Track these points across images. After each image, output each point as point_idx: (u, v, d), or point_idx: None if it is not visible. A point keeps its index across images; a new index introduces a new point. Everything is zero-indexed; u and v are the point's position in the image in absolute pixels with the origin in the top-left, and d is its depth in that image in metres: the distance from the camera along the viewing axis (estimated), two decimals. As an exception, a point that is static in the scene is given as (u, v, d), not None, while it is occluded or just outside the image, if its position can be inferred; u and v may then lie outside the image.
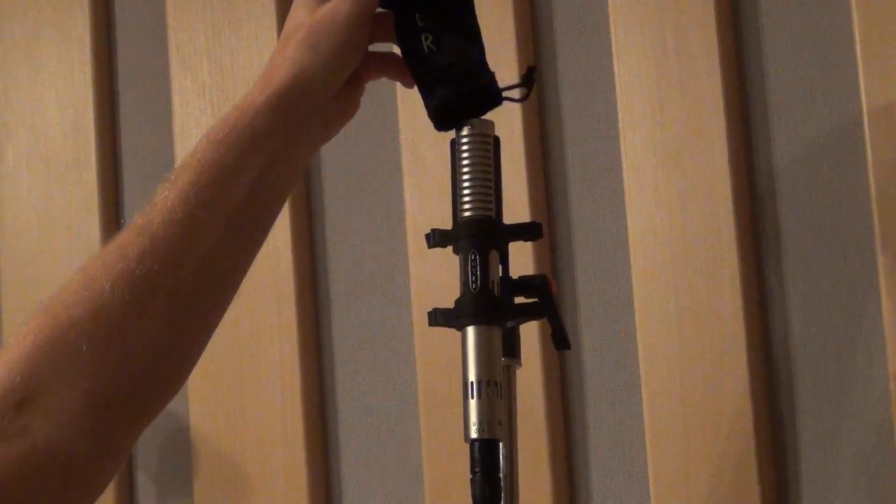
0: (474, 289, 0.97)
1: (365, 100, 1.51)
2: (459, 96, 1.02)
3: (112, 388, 0.91)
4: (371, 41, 1.05)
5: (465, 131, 1.02)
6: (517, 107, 1.38)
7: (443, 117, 1.03)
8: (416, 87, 1.06)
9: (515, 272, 1.03)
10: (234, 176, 0.96)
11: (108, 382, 0.91)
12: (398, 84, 1.46)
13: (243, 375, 1.54)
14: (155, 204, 0.95)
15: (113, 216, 1.68)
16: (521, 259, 1.32)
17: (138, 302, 0.92)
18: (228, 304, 0.99)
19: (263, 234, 1.00)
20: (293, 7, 1.05)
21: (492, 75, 1.03)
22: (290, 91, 0.99)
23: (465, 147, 1.02)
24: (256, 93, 0.99)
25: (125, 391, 0.92)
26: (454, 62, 1.02)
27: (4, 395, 0.88)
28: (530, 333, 1.32)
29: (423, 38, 1.03)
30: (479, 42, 1.04)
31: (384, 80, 1.49)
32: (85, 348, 0.89)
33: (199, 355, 0.97)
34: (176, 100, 1.63)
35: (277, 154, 0.98)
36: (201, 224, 0.95)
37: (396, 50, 1.06)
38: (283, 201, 1.02)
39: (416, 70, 1.04)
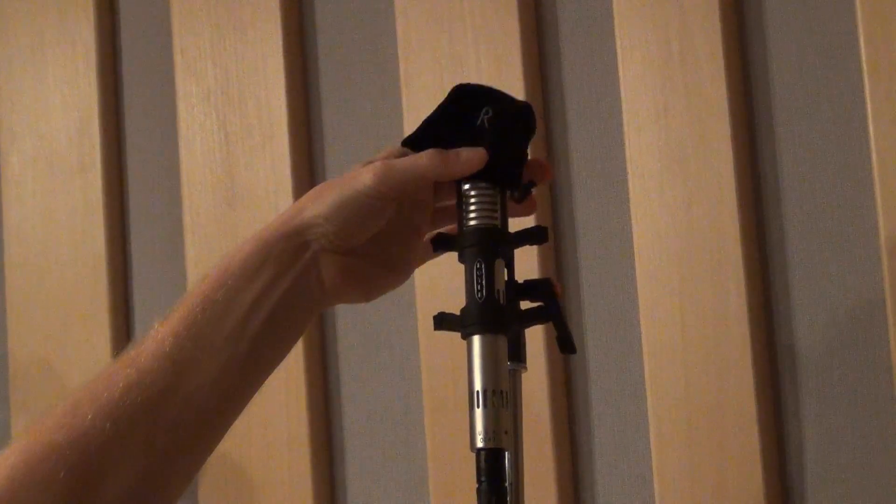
0: (480, 298, 0.97)
1: (370, 103, 1.52)
2: None
3: None
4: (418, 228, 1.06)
5: None
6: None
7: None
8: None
9: (520, 277, 1.03)
10: (223, 311, 0.96)
11: None
12: (403, 90, 1.47)
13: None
14: (147, 336, 0.96)
15: (118, 221, 1.69)
16: (527, 263, 1.33)
17: (119, 433, 0.92)
18: (216, 442, 0.98)
19: (256, 376, 0.99)
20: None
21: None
22: (283, 231, 0.99)
23: (470, 156, 1.02)
24: (258, 231, 1.00)
25: None
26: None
27: None
28: (535, 338, 1.32)
29: None
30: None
31: (387, 82, 1.51)
32: (62, 475, 0.90)
33: (183, 489, 0.97)
34: (181, 104, 1.63)
35: (267, 292, 0.98)
36: (189, 358, 0.94)
37: None
38: (277, 351, 1.00)
39: None
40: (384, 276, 1.05)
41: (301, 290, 0.99)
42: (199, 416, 0.95)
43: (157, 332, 0.96)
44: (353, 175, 1.00)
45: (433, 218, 1.06)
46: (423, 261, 1.08)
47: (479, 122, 1.03)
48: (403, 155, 1.04)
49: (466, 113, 1.03)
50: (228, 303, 0.96)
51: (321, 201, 0.99)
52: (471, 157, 1.00)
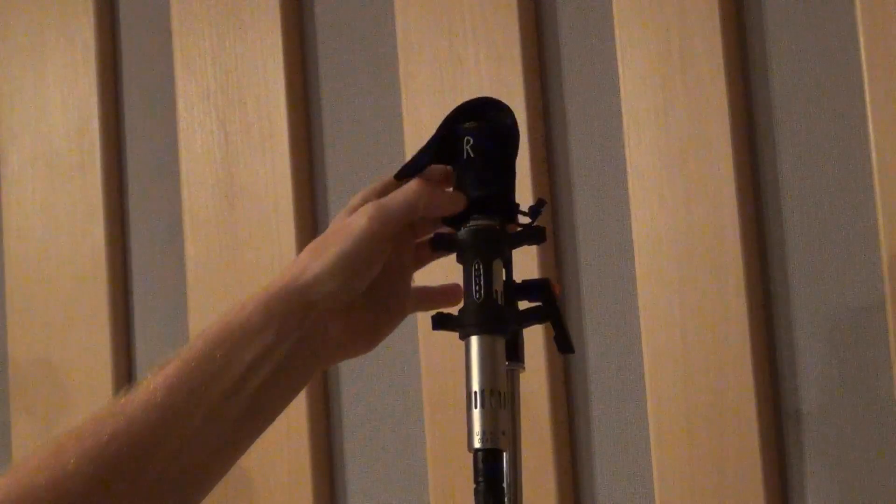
0: (478, 298, 0.98)
1: (370, 102, 1.52)
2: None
3: None
4: (406, 268, 1.05)
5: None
6: (521, 111, 1.38)
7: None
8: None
9: (519, 277, 1.03)
10: (221, 368, 0.94)
11: None
12: (403, 87, 1.47)
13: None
14: (139, 385, 0.94)
15: (117, 220, 1.69)
16: (526, 263, 1.33)
17: (102, 480, 0.90)
18: (202, 496, 0.96)
19: (248, 434, 0.97)
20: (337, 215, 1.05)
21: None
22: (287, 292, 0.98)
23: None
24: (264, 288, 0.98)
25: None
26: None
27: None
28: (535, 337, 1.32)
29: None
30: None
31: (386, 82, 1.51)
32: None
33: None
34: (180, 104, 1.63)
35: (268, 353, 0.96)
36: (180, 412, 0.93)
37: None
38: (274, 409, 0.99)
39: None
40: (382, 321, 1.05)
41: (303, 352, 0.98)
42: (185, 470, 0.93)
43: (149, 382, 0.94)
44: (346, 225, 1.00)
45: (415, 254, 1.06)
46: (417, 304, 1.08)
47: (464, 154, 1.03)
48: (384, 189, 1.04)
49: (453, 144, 1.04)
50: (226, 362, 0.95)
51: (322, 258, 0.99)
52: (455, 199, 1.02)
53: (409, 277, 1.06)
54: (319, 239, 1.01)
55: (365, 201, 1.02)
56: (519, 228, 1.04)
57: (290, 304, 0.97)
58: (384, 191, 1.04)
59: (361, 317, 1.02)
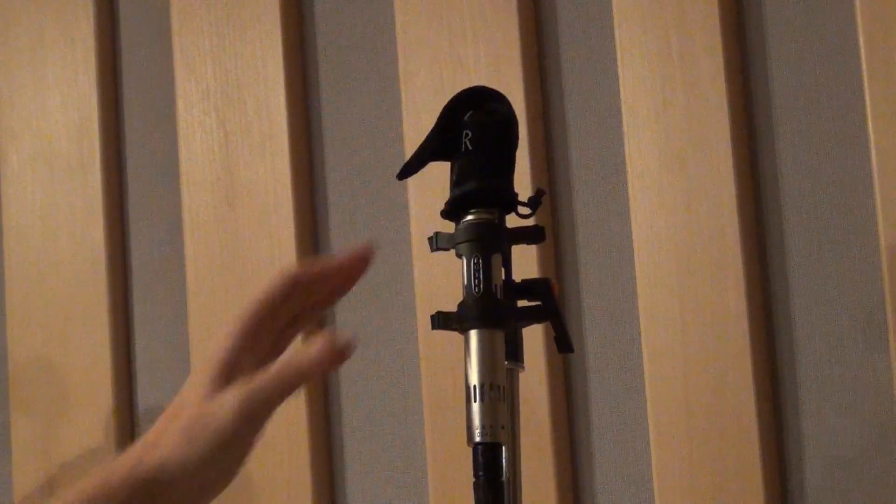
0: (477, 292, 0.98)
1: (369, 102, 1.52)
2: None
3: None
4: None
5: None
6: (521, 111, 1.38)
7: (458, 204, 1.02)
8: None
9: (519, 276, 1.03)
10: None
11: None
12: (402, 89, 1.47)
13: (248, 379, 1.54)
14: None
15: (117, 219, 1.69)
16: (526, 263, 1.32)
17: None
18: None
19: None
20: (188, 380, 0.96)
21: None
22: (156, 478, 0.92)
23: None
24: (129, 463, 0.93)
25: None
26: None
27: None
28: (534, 337, 1.32)
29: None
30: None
31: (386, 81, 1.51)
32: None
33: None
34: (180, 103, 1.63)
35: None
36: None
37: None
38: None
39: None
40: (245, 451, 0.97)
41: None
42: None
43: None
44: (213, 419, 0.93)
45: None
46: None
47: (462, 147, 1.02)
48: (264, 306, 0.99)
49: (452, 138, 1.03)
50: None
51: (187, 454, 0.92)
52: (321, 350, 0.95)
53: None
54: (185, 424, 0.94)
55: (234, 348, 0.96)
56: (520, 217, 1.04)
57: (151, 492, 0.92)
58: (263, 308, 0.99)
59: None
